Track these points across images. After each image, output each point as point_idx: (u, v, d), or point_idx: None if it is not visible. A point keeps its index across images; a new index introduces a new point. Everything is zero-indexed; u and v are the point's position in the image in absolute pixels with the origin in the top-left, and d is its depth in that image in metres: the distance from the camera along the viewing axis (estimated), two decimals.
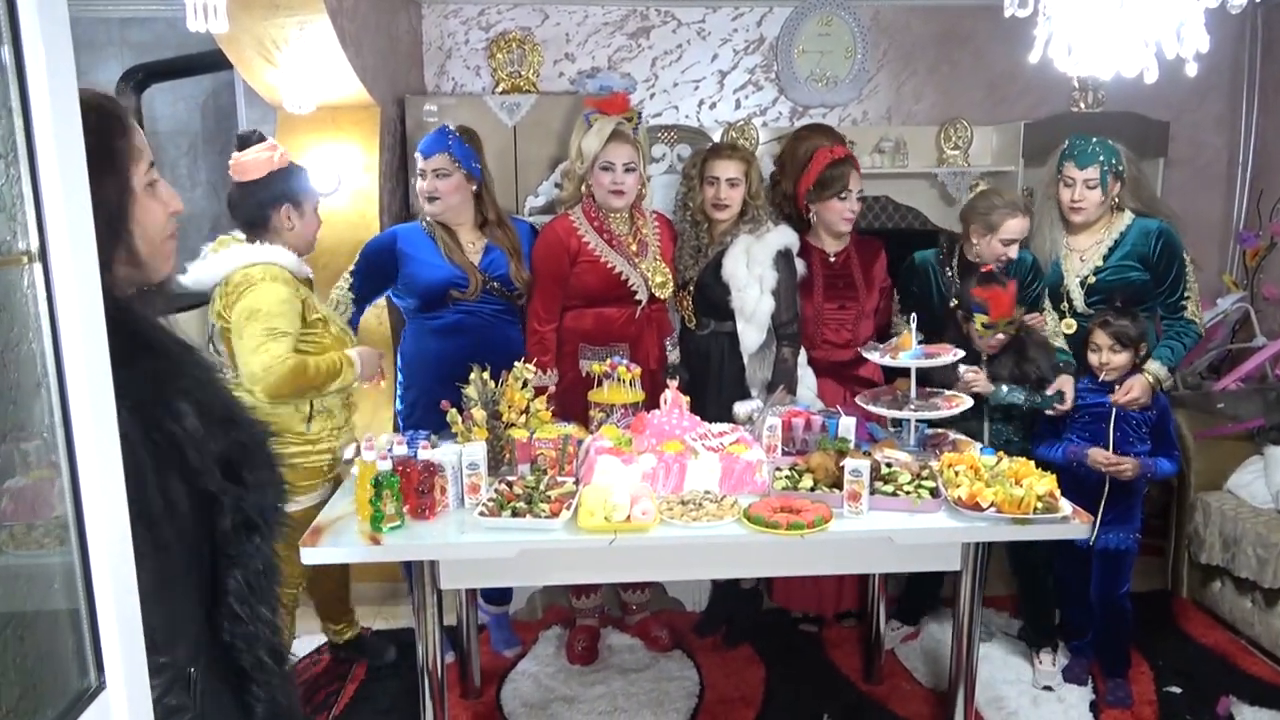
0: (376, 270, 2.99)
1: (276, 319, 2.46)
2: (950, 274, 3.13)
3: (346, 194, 3.55)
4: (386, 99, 3.65)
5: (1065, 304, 3.10)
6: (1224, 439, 3.62)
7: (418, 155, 2.95)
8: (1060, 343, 3.06)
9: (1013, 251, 3.00)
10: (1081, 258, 3.08)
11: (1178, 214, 3.26)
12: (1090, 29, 2.02)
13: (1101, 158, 2.96)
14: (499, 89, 4.16)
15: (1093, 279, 3.05)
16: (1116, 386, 2.85)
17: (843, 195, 3.10)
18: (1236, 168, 4.52)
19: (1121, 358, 2.85)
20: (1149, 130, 4.10)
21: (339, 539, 2.16)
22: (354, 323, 2.98)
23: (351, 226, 3.49)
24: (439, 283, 2.93)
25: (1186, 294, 3.04)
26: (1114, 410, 2.86)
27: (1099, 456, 2.83)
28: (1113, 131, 3.18)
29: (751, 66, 4.46)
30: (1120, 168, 3.00)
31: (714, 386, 3.13)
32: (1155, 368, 2.91)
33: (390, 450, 2.33)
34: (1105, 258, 3.04)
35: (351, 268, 3.00)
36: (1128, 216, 3.06)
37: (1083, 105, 4.24)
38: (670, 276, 3.10)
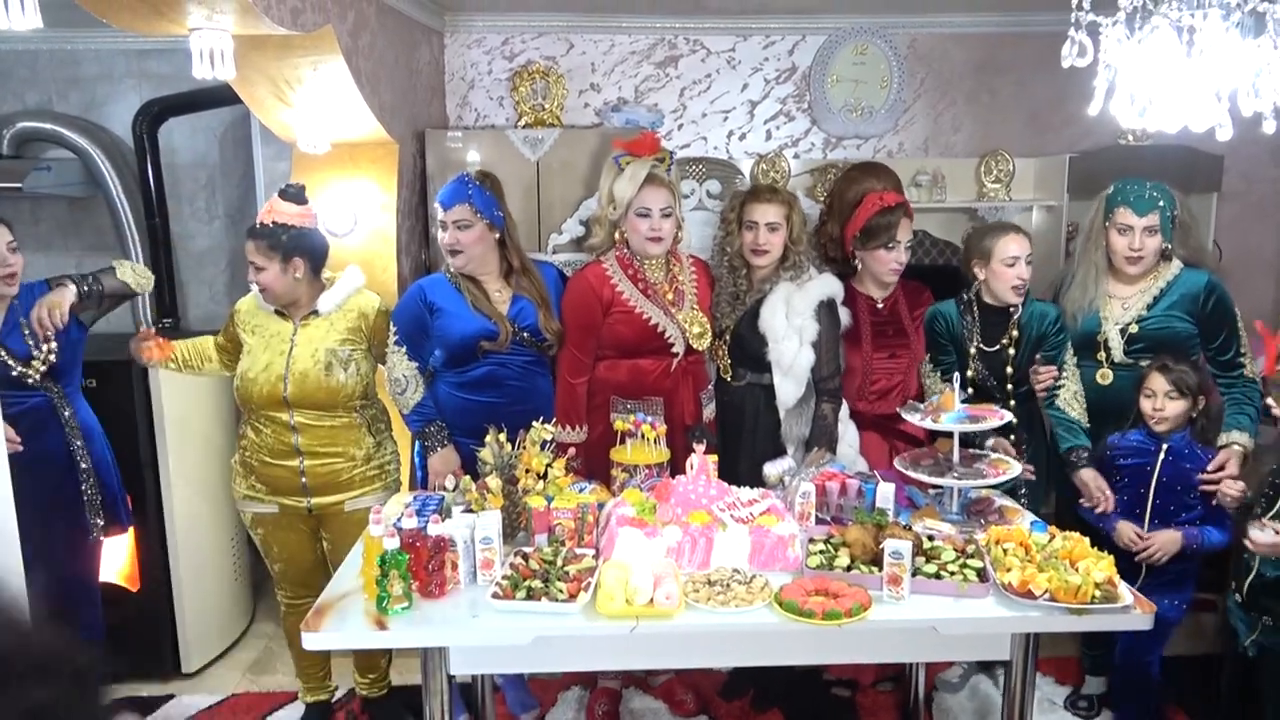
0: (418, 327, 2.79)
1: None
2: (972, 321, 2.93)
3: (364, 233, 3.44)
4: (405, 135, 3.53)
5: (1103, 353, 2.90)
6: None
7: (437, 206, 2.81)
8: (1080, 405, 2.87)
9: (1023, 269, 2.82)
10: (1124, 305, 2.90)
11: (1223, 266, 3.07)
12: (1156, 81, 1.86)
13: (1162, 203, 2.79)
14: (521, 123, 4.04)
15: (1135, 327, 2.86)
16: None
17: (890, 245, 2.91)
18: None
19: (1178, 406, 2.68)
20: (1201, 164, 3.89)
21: (343, 621, 2.03)
22: (426, 404, 2.79)
23: (368, 266, 3.35)
24: (470, 335, 2.77)
25: (1243, 351, 2.85)
26: (1156, 474, 2.69)
27: (1126, 534, 2.71)
28: (1163, 165, 3.01)
29: (783, 96, 4.31)
30: (1177, 213, 2.83)
31: (748, 442, 2.96)
32: (1241, 438, 2.72)
33: (399, 523, 2.20)
34: (1150, 306, 2.86)
35: (394, 342, 2.77)
36: (1175, 265, 2.88)
37: (1130, 138, 4.04)
38: (708, 326, 2.93)
